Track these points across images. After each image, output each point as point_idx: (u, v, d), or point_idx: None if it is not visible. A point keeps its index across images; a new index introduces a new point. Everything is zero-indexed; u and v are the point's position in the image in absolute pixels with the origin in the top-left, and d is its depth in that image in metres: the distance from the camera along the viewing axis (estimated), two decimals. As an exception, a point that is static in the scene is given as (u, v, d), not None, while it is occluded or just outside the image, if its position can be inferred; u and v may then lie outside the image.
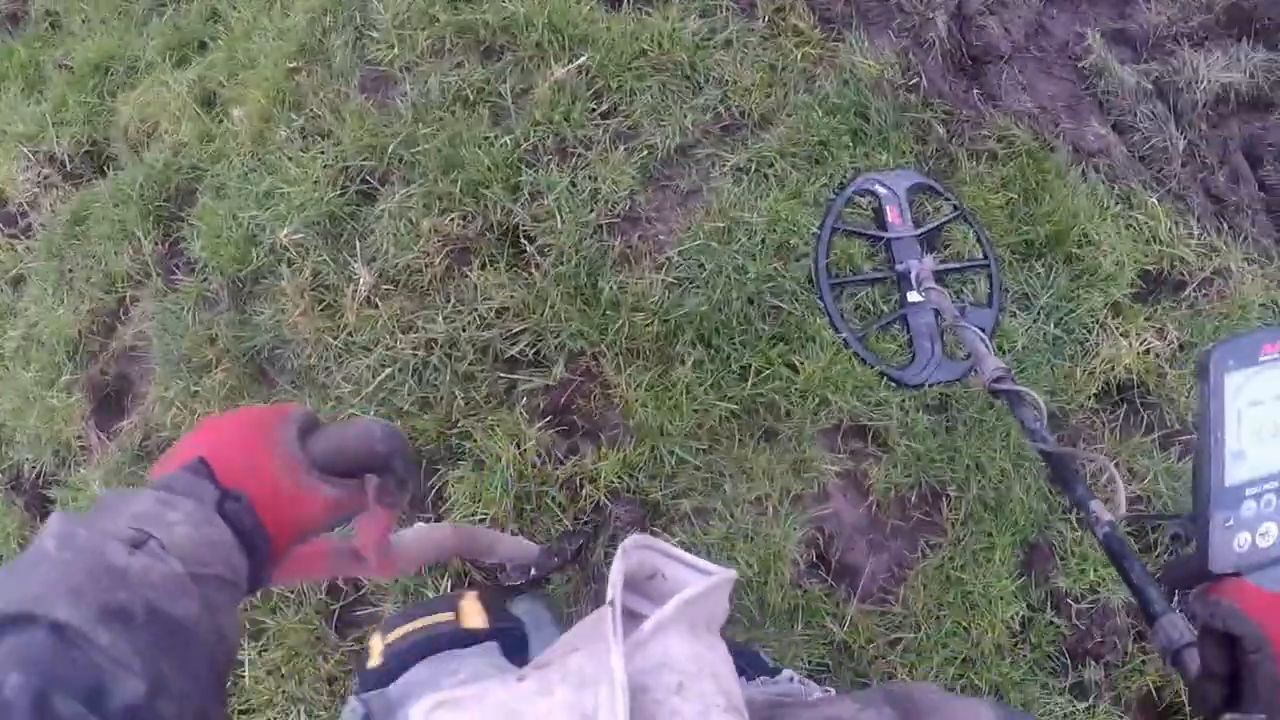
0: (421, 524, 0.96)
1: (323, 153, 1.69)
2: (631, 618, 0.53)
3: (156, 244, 1.77)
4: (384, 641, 0.83)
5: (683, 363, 1.51)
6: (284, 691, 1.51)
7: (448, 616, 0.84)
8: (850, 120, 1.66)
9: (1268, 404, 0.55)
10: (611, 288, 1.54)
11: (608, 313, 1.54)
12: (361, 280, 1.53)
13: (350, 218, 1.66)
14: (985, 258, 1.66)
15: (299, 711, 1.50)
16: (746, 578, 1.42)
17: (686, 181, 1.65)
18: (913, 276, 1.58)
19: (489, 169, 1.62)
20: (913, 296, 1.61)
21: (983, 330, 1.39)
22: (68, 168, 1.93)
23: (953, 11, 1.76)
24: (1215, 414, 0.55)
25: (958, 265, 1.67)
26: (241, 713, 1.54)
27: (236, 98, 1.78)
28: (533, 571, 1.38)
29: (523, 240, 1.59)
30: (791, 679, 0.83)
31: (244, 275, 1.68)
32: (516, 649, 0.84)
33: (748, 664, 0.84)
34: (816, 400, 1.51)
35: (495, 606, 0.89)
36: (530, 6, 1.75)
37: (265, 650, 1.54)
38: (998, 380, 1.18)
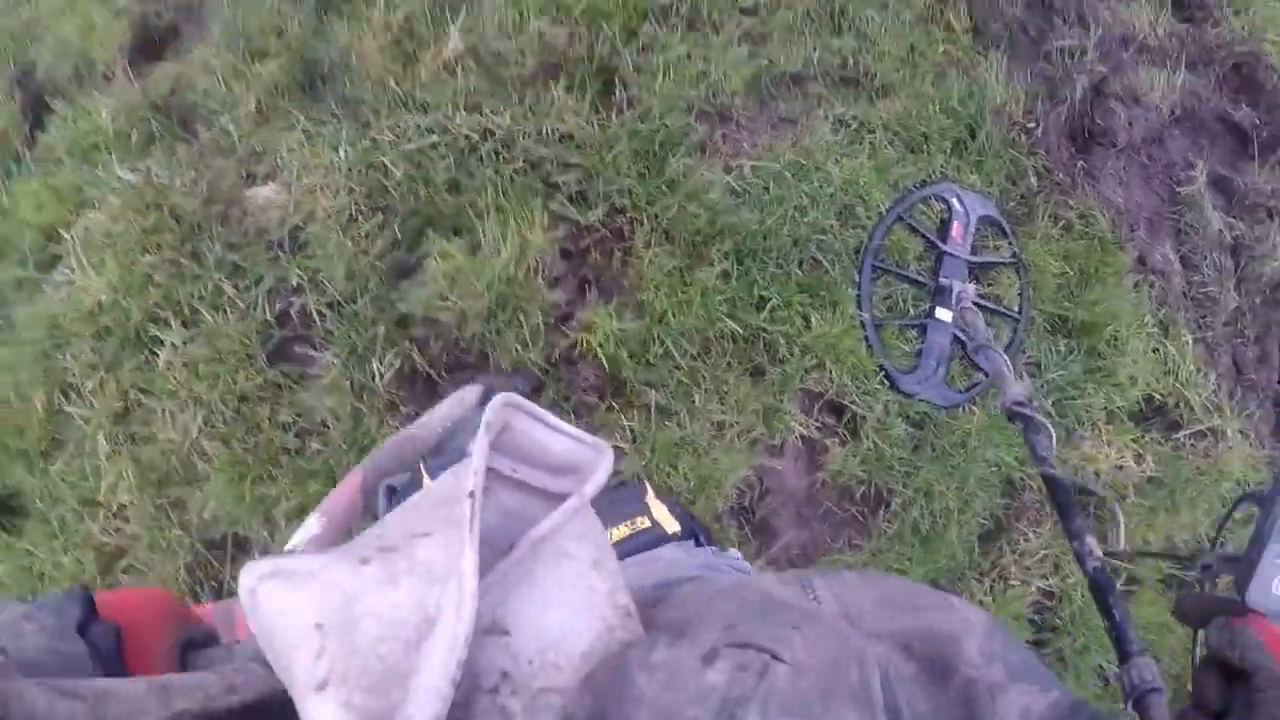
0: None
1: None
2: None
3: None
4: None
5: (710, 266, 1.48)
6: (190, 389, 1.46)
7: (645, 522, 0.87)
8: (959, 129, 1.65)
9: None
10: (678, 167, 1.50)
11: (664, 187, 1.50)
12: (450, 43, 1.47)
13: None
14: (1019, 312, 1.68)
15: (197, 413, 1.45)
16: (680, 490, 1.39)
17: (788, 107, 1.63)
18: (953, 295, 1.59)
19: (616, 4, 1.56)
20: (940, 314, 1.63)
21: (1008, 361, 1.36)
22: None
23: (1093, 83, 1.75)
24: None
25: (992, 306, 1.68)
26: (141, 390, 1.50)
27: None
28: None
29: (616, 83, 1.55)
30: (738, 558, 0.84)
31: None
32: (705, 539, 0.87)
33: (702, 534, 0.87)
34: (814, 361, 1.49)
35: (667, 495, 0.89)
36: None
37: (191, 343, 1.48)
38: (1019, 403, 1.17)
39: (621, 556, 0.76)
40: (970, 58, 1.72)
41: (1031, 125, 1.70)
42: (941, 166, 1.62)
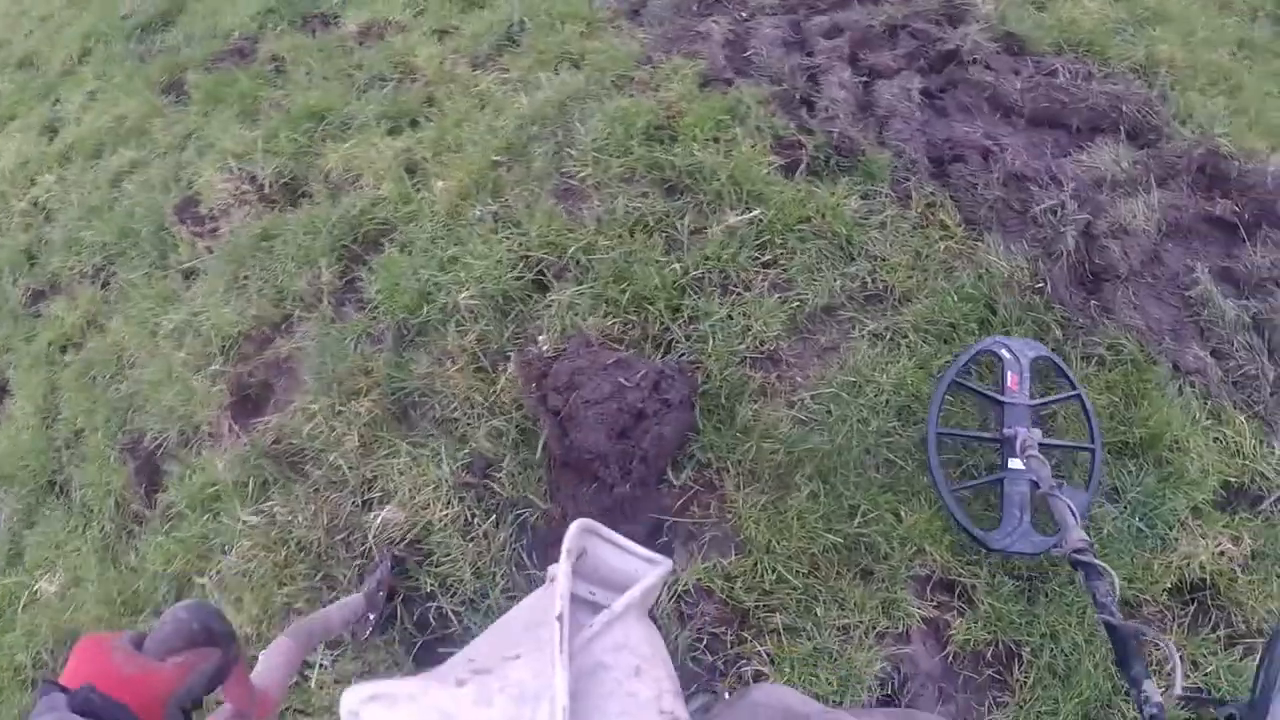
0: (261, 653, 1.16)
1: (508, 238, 2.28)
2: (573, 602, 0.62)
3: (335, 276, 2.38)
4: None
5: (798, 491, 2.02)
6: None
7: None
8: (980, 310, 2.25)
9: None
10: (746, 414, 2.08)
11: (738, 435, 2.07)
12: (542, 344, 2.12)
13: (521, 300, 2.23)
14: (1092, 442, 2.00)
15: None
16: (825, 695, 1.87)
17: (827, 337, 2.20)
18: (1018, 443, 1.91)
19: (656, 288, 2.19)
20: (1014, 463, 1.92)
21: (1073, 508, 1.67)
22: (265, 191, 2.58)
23: (1081, 230, 2.34)
24: None
25: (1063, 443, 2.03)
26: (297, 711, 1.92)
27: (439, 173, 2.43)
28: (371, 617, 1.86)
29: (673, 352, 2.19)
30: None
31: (411, 324, 2.21)
32: None
33: None
34: (914, 549, 1.98)
35: None
36: (716, 160, 2.43)
37: (339, 661, 1.96)
38: (1079, 551, 1.46)
39: None
40: (969, 246, 2.27)
41: (1040, 285, 2.24)
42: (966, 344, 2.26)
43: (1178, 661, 1.12)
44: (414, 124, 2.66)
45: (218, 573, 2.12)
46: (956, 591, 1.98)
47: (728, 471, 2.03)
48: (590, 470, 2.00)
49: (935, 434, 1.98)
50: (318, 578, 2.03)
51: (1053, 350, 2.20)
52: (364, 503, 2.09)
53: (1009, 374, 2.06)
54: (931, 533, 1.97)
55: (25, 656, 2.35)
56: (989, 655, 1.94)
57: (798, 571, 1.95)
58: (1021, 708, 1.89)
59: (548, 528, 2.02)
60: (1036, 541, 1.88)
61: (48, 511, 2.52)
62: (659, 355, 2.13)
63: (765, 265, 2.27)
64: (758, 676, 1.87)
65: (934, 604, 1.96)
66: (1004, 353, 2.08)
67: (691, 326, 2.17)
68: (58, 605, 2.35)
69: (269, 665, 1.11)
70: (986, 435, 2.06)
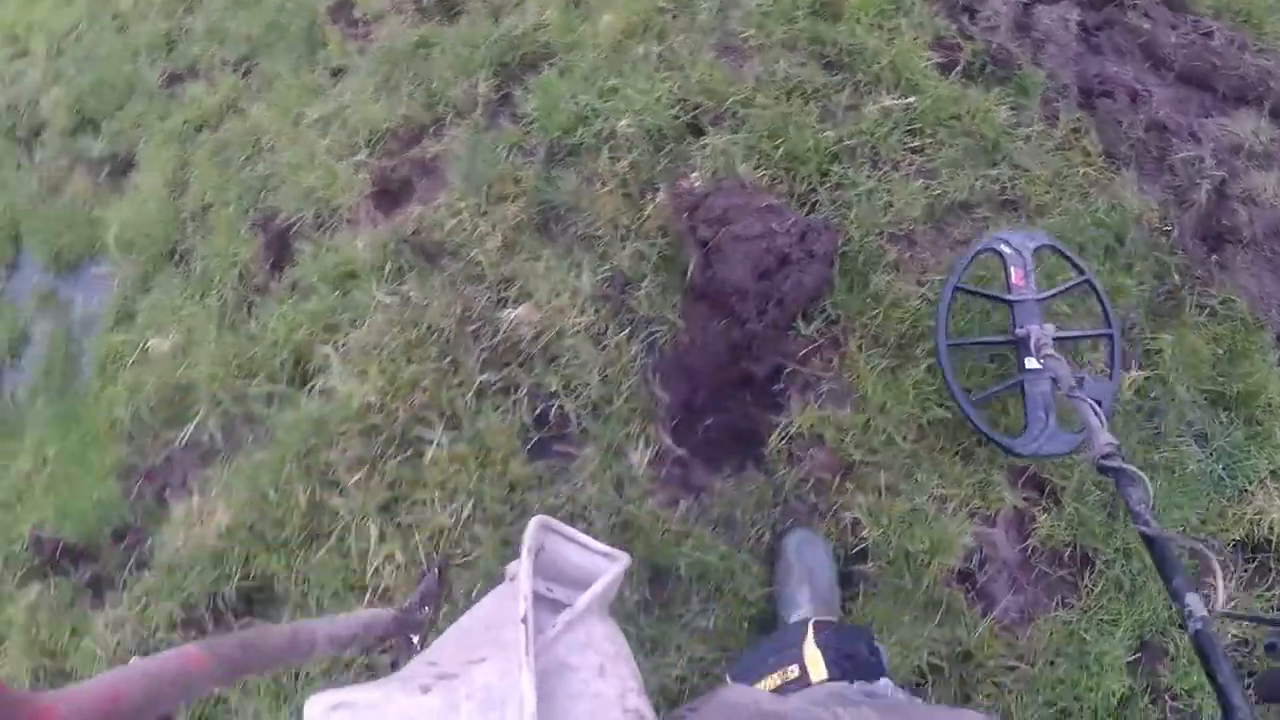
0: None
1: (669, 79, 2.33)
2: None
3: (491, 90, 2.40)
4: None
5: (917, 364, 2.07)
6: (460, 480, 1.98)
7: (794, 671, 1.02)
8: (1108, 237, 2.31)
9: None
10: (880, 282, 2.14)
11: (869, 299, 2.13)
12: (694, 179, 2.18)
13: (675, 139, 2.28)
14: (1109, 326, 1.95)
15: (469, 502, 1.97)
16: (916, 553, 1.96)
17: (960, 231, 2.27)
18: (1032, 342, 1.85)
19: (809, 150, 2.23)
20: (1030, 364, 1.86)
21: (1099, 403, 1.60)
22: (422, 3, 2.65)
23: (1215, 187, 2.42)
24: None
25: (1079, 334, 1.99)
26: (408, 483, 2.01)
27: (605, 7, 2.49)
28: (415, 640, 1.40)
29: (817, 214, 2.25)
30: (888, 691, 1.00)
31: (565, 143, 2.25)
32: (870, 673, 1.01)
33: (869, 656, 1.04)
34: None
35: (831, 643, 1.02)
36: (878, 44, 2.46)
37: (455, 443, 2.04)
38: (1106, 456, 1.37)
39: None
40: (1106, 176, 2.34)
41: (1168, 229, 2.37)
42: (1097, 270, 2.32)
43: (1219, 574, 1.05)
44: (584, -41, 2.68)
45: (344, 344, 2.18)
46: (1045, 490, 2.06)
47: (854, 331, 2.10)
48: (727, 304, 2.06)
49: (946, 345, 1.92)
50: (445, 361, 2.10)
51: (1168, 294, 2.25)
52: (499, 300, 2.16)
53: (1013, 269, 1.97)
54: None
55: (124, 411, 2.42)
56: (1065, 556, 2.03)
57: (906, 437, 2.03)
58: (1086, 613, 1.98)
59: (675, 352, 2.09)
60: (1065, 440, 1.83)
61: (165, 278, 2.59)
62: (803, 213, 2.18)
63: (913, 151, 2.32)
64: (855, 525, 1.96)
65: (1023, 497, 2.03)
66: (1004, 248, 1.97)
67: (838, 192, 2.22)
68: (169, 363, 2.42)
69: (135, 669, 0.70)
70: (999, 339, 1.99)
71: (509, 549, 1.96)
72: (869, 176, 2.25)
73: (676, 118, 2.30)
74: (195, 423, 2.30)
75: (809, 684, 1.02)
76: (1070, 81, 2.59)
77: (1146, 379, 2.16)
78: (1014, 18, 2.71)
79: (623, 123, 2.23)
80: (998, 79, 2.50)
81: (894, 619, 1.92)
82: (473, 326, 2.14)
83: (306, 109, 2.55)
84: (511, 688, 0.53)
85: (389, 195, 2.37)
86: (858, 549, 1.95)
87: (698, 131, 2.31)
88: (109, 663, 2.09)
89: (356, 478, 2.05)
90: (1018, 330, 1.92)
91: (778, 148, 2.24)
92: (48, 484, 2.51)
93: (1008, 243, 1.99)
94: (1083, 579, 2.02)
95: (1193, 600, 1.08)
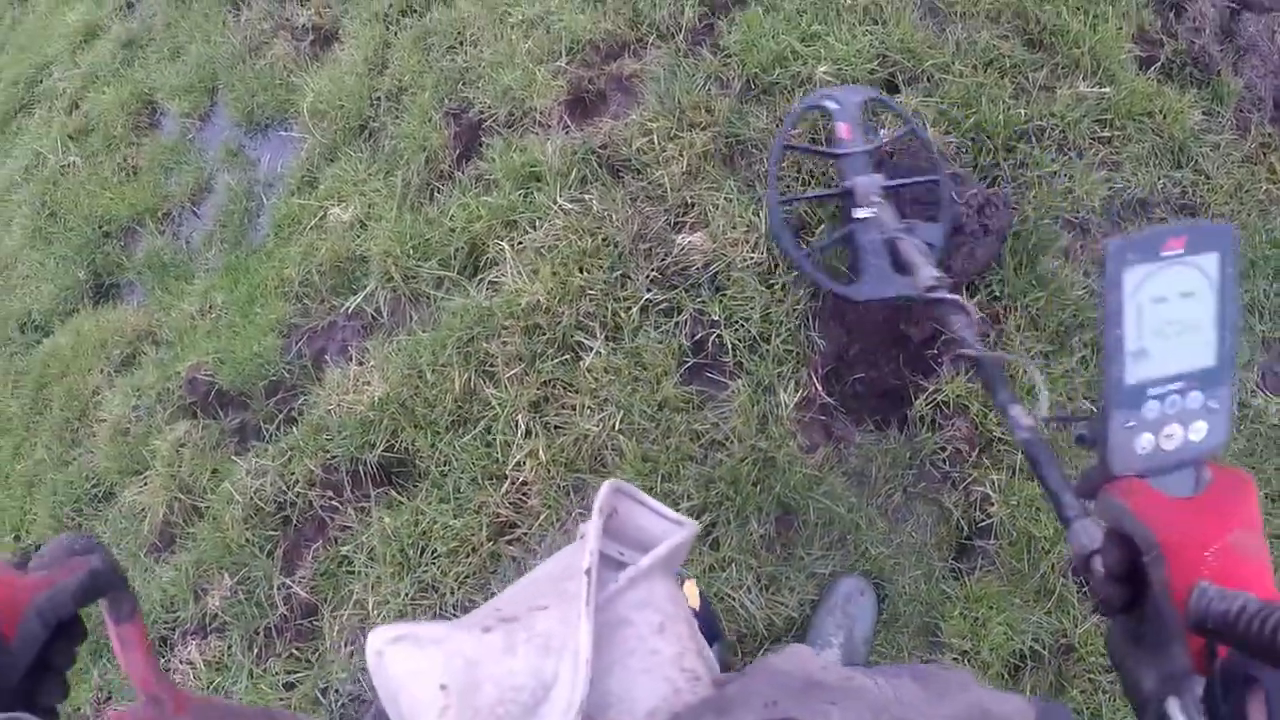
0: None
1: (871, 33, 2.33)
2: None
3: (696, 17, 2.42)
4: None
5: (1070, 355, 2.12)
6: (610, 391, 2.08)
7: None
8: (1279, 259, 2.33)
9: (1172, 302, 0.60)
10: (1047, 267, 2.18)
11: (1033, 282, 2.17)
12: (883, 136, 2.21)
13: None
14: (936, 173, 1.98)
15: (618, 413, 2.08)
16: (1040, 538, 2.02)
17: (1135, 228, 2.33)
18: (858, 193, 1.88)
19: (998, 123, 2.28)
20: (859, 214, 1.89)
21: (930, 245, 1.67)
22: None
23: None
24: (1114, 308, 0.60)
25: (907, 180, 1.99)
26: (563, 385, 2.12)
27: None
28: None
29: (998, 187, 2.27)
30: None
31: (761, 80, 2.30)
32: (712, 636, 1.01)
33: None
34: None
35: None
36: (1081, 29, 2.43)
37: (614, 354, 2.14)
38: (930, 288, 1.44)
39: None
40: None
41: None
42: (1263, 289, 2.31)
43: (1041, 384, 1.11)
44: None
45: (520, 243, 2.28)
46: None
47: (1014, 311, 2.13)
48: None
49: (777, 200, 1.94)
50: (615, 274, 2.19)
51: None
52: (676, 224, 2.23)
53: (839, 124, 1.98)
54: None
55: (295, 271, 2.55)
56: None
57: (1049, 425, 2.07)
58: None
59: (836, 303, 2.15)
60: (901, 283, 1.83)
61: (352, 152, 2.69)
62: (985, 185, 2.20)
63: (1101, 141, 2.31)
64: (984, 500, 2.03)
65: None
66: (829, 104, 2.00)
67: (1020, 170, 2.24)
68: (345, 233, 2.53)
69: None
70: (829, 192, 2.02)
71: (648, 465, 2.06)
72: (1053, 160, 2.25)
73: (873, 72, 2.31)
74: (364, 294, 2.42)
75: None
76: (1267, 95, 2.54)
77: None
78: (1221, 22, 2.64)
79: (821, 69, 2.25)
80: (1195, 81, 2.46)
81: (1005, 599, 2.00)
82: (646, 245, 2.22)
83: (513, 9, 2.61)
84: (570, 636, 0.55)
85: (583, 105, 2.44)
86: (982, 524, 2.01)
87: (893, 89, 2.33)
88: (243, 507, 2.23)
89: (513, 372, 2.15)
90: (846, 183, 1.95)
91: (969, 117, 2.25)
92: (210, 329, 2.67)
93: (833, 99, 2.00)
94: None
95: (1016, 411, 1.12)
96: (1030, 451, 1.04)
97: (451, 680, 0.53)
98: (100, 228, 3.04)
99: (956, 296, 1.37)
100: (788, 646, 0.76)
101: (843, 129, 1.99)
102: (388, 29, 2.84)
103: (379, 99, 2.71)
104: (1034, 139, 2.28)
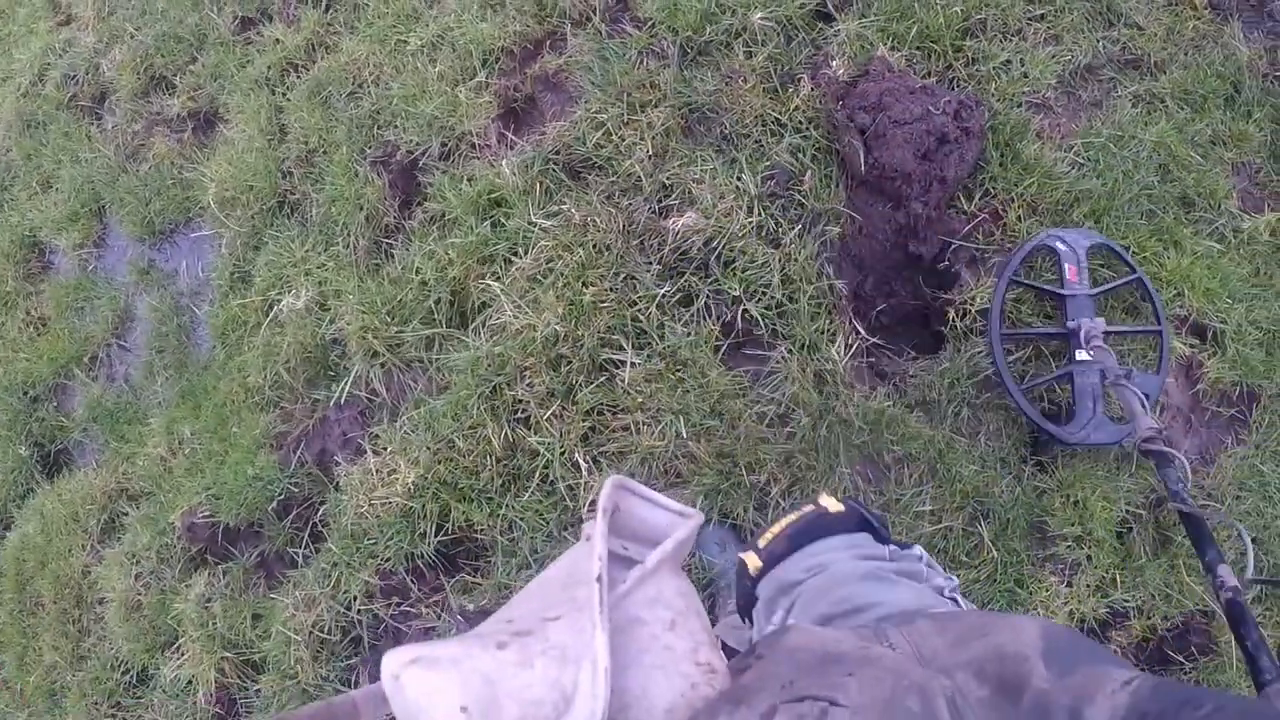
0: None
1: None
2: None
3: (607, -6, 2.35)
4: (760, 550, 1.03)
5: (1076, 226, 2.17)
6: (661, 398, 1.99)
7: (809, 507, 1.04)
8: (1226, 87, 2.34)
9: None
10: (1029, 152, 2.17)
11: (1022, 170, 2.17)
12: (835, 68, 2.16)
13: (806, 29, 2.27)
14: (1159, 324, 2.02)
15: (677, 419, 1.97)
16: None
17: (1089, 94, 2.30)
18: (1083, 335, 1.93)
19: (940, 26, 2.27)
20: (1081, 355, 1.95)
21: (1146, 395, 1.71)
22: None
23: None
24: None
25: (1129, 329, 2.05)
26: (608, 409, 2.02)
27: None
28: None
29: (960, 92, 2.25)
30: (920, 558, 1.00)
31: (696, 42, 2.23)
32: (885, 538, 1.02)
33: (879, 526, 1.04)
34: (1174, 291, 2.16)
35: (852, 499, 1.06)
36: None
37: (648, 361, 2.03)
38: (1148, 440, 1.48)
39: (789, 545, 0.99)
40: (1214, 28, 2.37)
41: (1278, 74, 2.49)
42: (1221, 122, 2.35)
43: (1250, 545, 1.14)
44: None
45: (507, 276, 2.13)
46: (1208, 336, 2.14)
47: (1012, 203, 2.14)
48: (891, 189, 2.08)
49: (1000, 334, 1.98)
50: (620, 279, 2.08)
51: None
52: (661, 209, 2.13)
53: (1066, 266, 2.05)
54: (1190, 278, 2.12)
55: (261, 377, 2.34)
56: (1234, 396, 2.12)
57: (1078, 296, 2.07)
58: (1259, 448, 2.10)
59: (841, 242, 2.10)
60: (1112, 431, 1.92)
61: (278, 232, 2.48)
62: (952, 91, 2.18)
63: (1036, 19, 2.33)
64: (1048, 392, 2.01)
65: (1188, 345, 2.11)
66: (1059, 245, 2.05)
67: (974, 67, 2.24)
68: (304, 321, 2.33)
69: None
70: (1051, 331, 2.07)
71: (727, 462, 1.97)
72: (1001, 49, 2.25)
73: (802, 6, 2.26)
74: (351, 378, 2.23)
75: (827, 516, 1.02)
76: (1162, -64, 2.60)
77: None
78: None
79: (756, 16, 2.18)
80: (1100, -61, 2.50)
81: (1090, 475, 2.02)
82: (638, 239, 2.11)
83: (408, 35, 2.43)
84: (585, 645, 0.55)
85: (516, 115, 2.30)
86: (1050, 414, 2.01)
87: (826, 18, 2.28)
88: (306, 645, 2.04)
89: (550, 412, 2.03)
90: (1070, 323, 2.00)
91: (909, 28, 2.23)
92: (189, 466, 2.43)
93: (1062, 240, 2.05)
94: (1251, 414, 2.13)
95: (1224, 571, 1.14)
96: (1233, 611, 1.05)
97: (472, 701, 0.52)
98: (26, 394, 2.73)
99: (1173, 450, 1.37)
100: (800, 626, 0.74)
101: (1070, 270, 2.03)
102: (274, 93, 2.62)
103: (289, 169, 2.50)
104: (978, 33, 2.28)
